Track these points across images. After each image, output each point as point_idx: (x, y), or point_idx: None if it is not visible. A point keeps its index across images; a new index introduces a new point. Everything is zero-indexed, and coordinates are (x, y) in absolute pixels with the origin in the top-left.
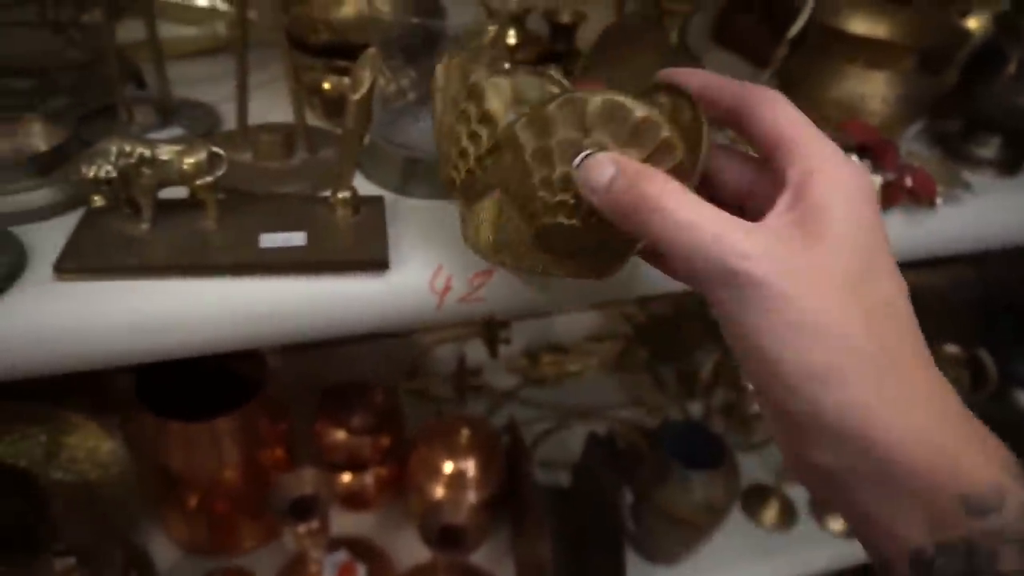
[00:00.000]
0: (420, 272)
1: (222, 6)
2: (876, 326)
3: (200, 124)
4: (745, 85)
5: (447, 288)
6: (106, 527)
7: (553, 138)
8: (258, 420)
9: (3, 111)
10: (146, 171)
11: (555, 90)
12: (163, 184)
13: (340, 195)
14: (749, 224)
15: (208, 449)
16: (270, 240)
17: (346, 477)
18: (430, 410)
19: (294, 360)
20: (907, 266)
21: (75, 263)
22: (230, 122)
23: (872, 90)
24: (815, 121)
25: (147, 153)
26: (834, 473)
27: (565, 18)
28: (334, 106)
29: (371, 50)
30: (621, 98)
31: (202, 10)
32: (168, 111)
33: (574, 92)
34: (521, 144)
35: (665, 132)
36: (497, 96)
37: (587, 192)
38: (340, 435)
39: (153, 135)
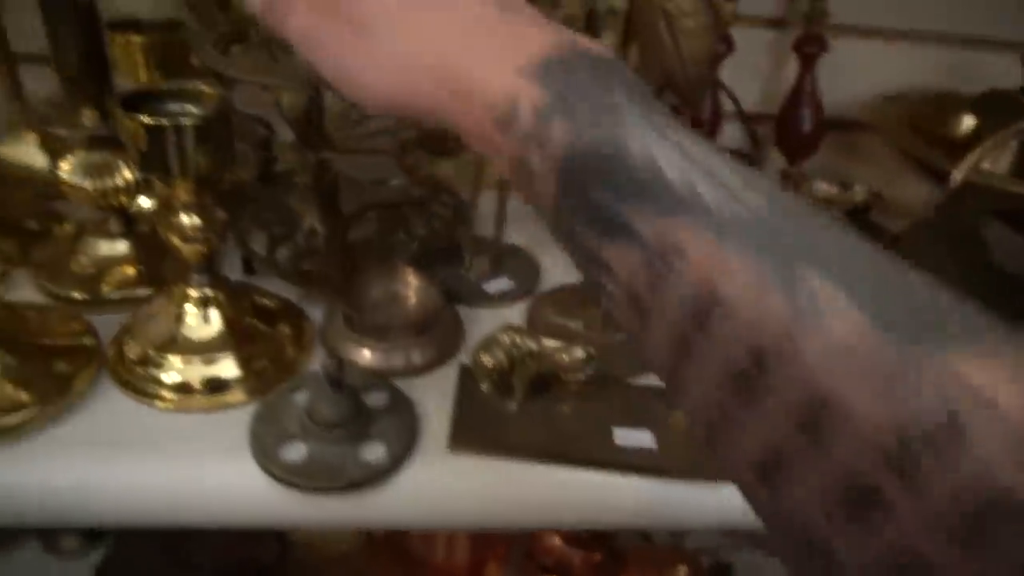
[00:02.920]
0: None
1: None
2: None
3: (526, 278)
4: None
5: None
6: None
7: None
8: None
9: (361, 243)
10: (529, 362)
11: None
12: (540, 373)
13: None
14: None
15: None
16: (623, 438)
17: None
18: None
19: None
20: None
21: (465, 440)
22: (546, 273)
23: None
24: None
25: (534, 347)
26: None
27: (859, 197)
28: None
29: None
30: None
31: None
32: (499, 260)
33: None
34: None
35: None
36: None
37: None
38: (556, 542)
39: (486, 285)
